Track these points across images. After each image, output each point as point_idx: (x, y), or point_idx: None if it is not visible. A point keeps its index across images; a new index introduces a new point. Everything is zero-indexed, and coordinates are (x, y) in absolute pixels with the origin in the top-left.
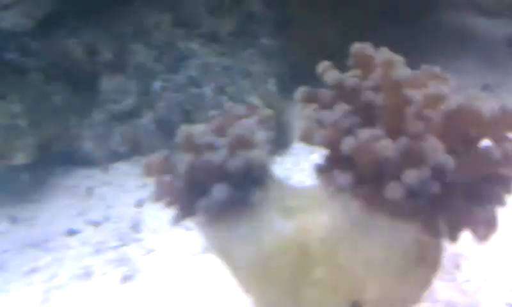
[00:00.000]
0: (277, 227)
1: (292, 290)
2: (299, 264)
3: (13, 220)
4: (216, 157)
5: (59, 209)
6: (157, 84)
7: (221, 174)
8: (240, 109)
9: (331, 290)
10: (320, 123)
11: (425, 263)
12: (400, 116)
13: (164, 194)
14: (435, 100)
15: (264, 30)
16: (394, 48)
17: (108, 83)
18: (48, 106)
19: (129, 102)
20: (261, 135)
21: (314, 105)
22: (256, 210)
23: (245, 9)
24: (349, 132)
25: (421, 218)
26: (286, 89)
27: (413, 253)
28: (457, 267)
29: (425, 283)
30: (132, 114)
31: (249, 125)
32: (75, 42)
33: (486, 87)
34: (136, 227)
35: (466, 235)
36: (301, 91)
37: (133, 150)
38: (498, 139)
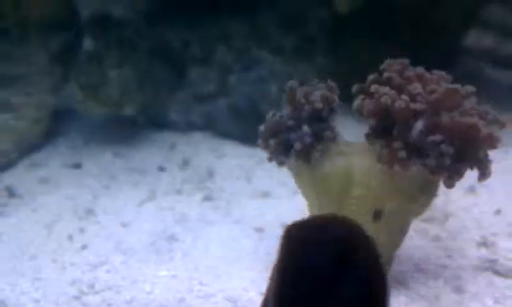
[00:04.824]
0: (334, 160)
1: (338, 199)
2: (344, 184)
3: (115, 154)
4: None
5: (149, 154)
6: (232, 78)
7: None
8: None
9: (363, 201)
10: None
11: (426, 191)
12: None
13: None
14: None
15: (319, 49)
16: None
17: (194, 71)
18: (150, 78)
19: (210, 88)
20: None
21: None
22: (323, 150)
23: (305, 32)
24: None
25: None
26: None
27: (418, 183)
28: (446, 218)
29: (426, 204)
30: (210, 97)
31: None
32: (174, 35)
33: None
34: (211, 173)
35: (456, 197)
36: (355, 86)
37: (208, 125)
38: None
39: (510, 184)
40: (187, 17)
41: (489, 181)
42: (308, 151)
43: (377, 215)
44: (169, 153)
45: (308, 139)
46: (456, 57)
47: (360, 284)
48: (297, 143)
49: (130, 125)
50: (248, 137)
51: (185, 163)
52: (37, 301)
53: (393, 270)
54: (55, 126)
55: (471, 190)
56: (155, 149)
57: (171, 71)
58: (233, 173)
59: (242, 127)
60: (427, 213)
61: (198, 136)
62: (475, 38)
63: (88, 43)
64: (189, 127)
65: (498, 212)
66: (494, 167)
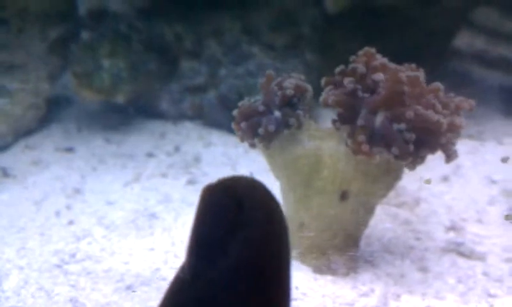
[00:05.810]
0: (304, 144)
1: (307, 180)
2: (314, 166)
3: (107, 140)
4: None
5: (139, 141)
6: (222, 71)
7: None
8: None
9: (331, 182)
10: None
11: (391, 174)
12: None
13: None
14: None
15: (309, 48)
16: None
17: (186, 64)
18: (143, 69)
19: (200, 80)
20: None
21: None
22: (293, 134)
23: (297, 31)
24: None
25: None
26: (319, 95)
27: (383, 167)
28: (417, 204)
29: (390, 185)
30: (200, 89)
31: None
32: (168, 29)
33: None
34: (197, 159)
35: (429, 185)
36: (324, 79)
37: (197, 115)
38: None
39: (483, 174)
40: (181, 12)
41: (463, 171)
42: (270, 138)
43: (344, 195)
44: (159, 141)
45: (272, 127)
46: (446, 59)
47: (248, 239)
48: (261, 129)
49: (123, 114)
50: None
51: (174, 150)
52: (21, 268)
53: (363, 251)
54: (50, 113)
55: (445, 179)
56: (146, 136)
57: (163, 63)
58: (218, 160)
59: (230, 118)
60: (398, 199)
61: (187, 125)
62: (467, 41)
63: (84, 35)
64: (180, 117)
65: (470, 198)
66: (469, 159)
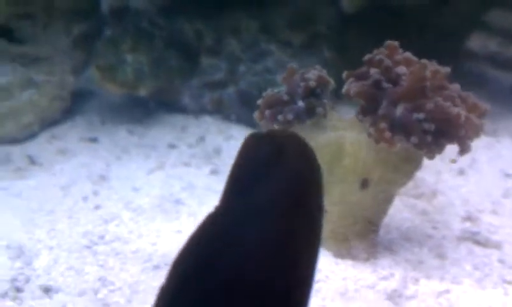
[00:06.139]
0: (327, 133)
1: (329, 168)
2: (336, 154)
3: (130, 132)
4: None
5: (161, 133)
6: (241, 68)
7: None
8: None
9: (352, 170)
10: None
11: (411, 163)
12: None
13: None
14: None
15: (326, 46)
16: None
17: (206, 60)
18: (164, 65)
19: (220, 76)
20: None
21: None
22: (315, 123)
23: (313, 29)
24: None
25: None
26: (336, 92)
27: (403, 155)
28: (435, 195)
29: (409, 174)
30: (220, 85)
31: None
32: (189, 26)
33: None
34: (218, 151)
35: (446, 178)
36: (345, 73)
37: (217, 110)
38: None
39: (498, 168)
40: (201, 10)
41: (479, 165)
42: (289, 126)
43: (364, 183)
44: (181, 134)
45: (290, 116)
46: (460, 60)
47: (283, 178)
48: (280, 116)
49: (144, 108)
50: (254, 122)
51: (196, 142)
52: (51, 248)
53: (382, 238)
54: (74, 106)
55: (461, 172)
56: (168, 129)
57: (184, 59)
58: None
59: (250, 113)
60: (416, 190)
61: (208, 120)
62: (481, 42)
63: (107, 31)
64: (200, 111)
65: (485, 191)
66: (485, 154)
